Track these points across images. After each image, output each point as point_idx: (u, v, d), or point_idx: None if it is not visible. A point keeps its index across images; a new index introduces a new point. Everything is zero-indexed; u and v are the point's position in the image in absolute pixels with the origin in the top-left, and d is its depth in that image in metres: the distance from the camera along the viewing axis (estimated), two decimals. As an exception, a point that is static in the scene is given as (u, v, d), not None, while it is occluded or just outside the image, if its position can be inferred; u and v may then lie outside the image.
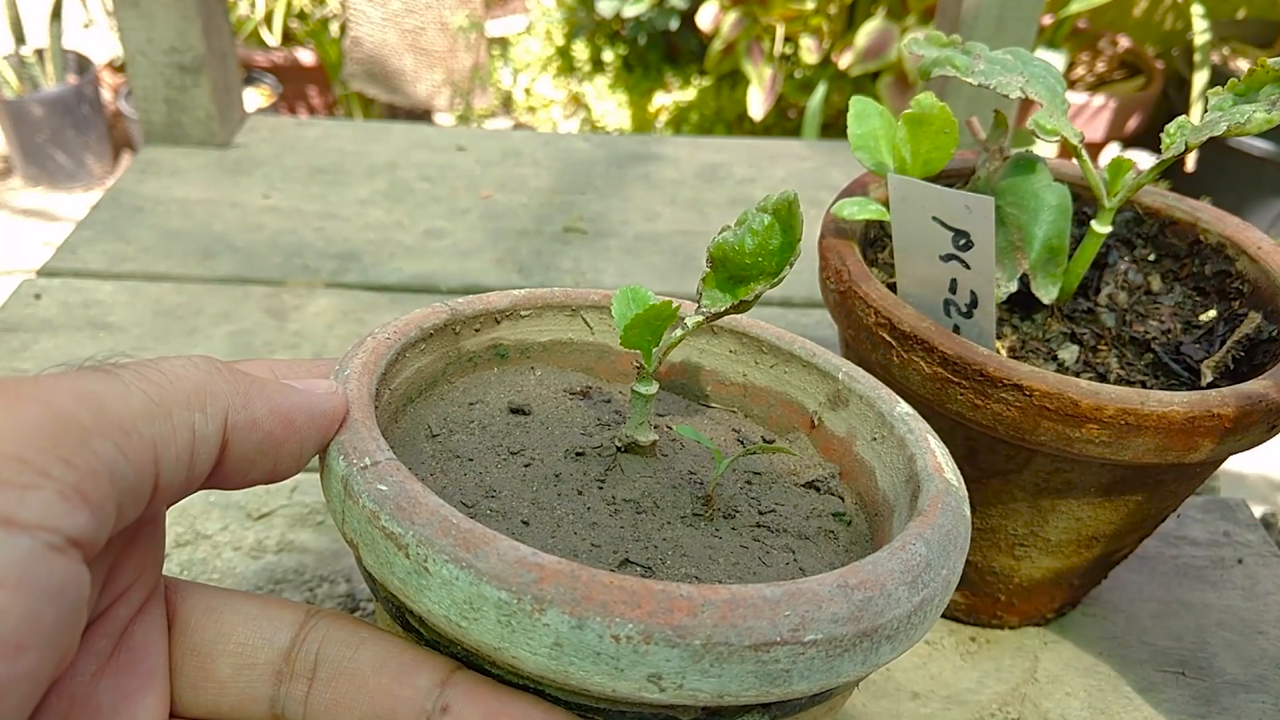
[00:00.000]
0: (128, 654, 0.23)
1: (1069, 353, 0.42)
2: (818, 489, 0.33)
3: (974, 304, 0.41)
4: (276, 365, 0.29)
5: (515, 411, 0.34)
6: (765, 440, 0.35)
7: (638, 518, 0.29)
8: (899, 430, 0.31)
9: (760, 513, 0.31)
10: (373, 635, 0.25)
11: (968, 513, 0.28)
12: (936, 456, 0.30)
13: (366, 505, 0.24)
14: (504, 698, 0.24)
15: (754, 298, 0.28)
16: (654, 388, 0.30)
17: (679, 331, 0.30)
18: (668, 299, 0.29)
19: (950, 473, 0.29)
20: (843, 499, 0.33)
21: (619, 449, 0.32)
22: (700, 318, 0.29)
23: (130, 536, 0.24)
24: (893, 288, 0.44)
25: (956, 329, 0.42)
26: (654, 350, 0.30)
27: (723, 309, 0.29)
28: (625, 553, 0.27)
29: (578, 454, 0.31)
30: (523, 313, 0.36)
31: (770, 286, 0.28)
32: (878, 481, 0.32)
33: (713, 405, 0.37)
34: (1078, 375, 0.41)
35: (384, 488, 0.24)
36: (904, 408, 0.32)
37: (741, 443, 0.35)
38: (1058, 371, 0.40)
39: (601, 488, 0.30)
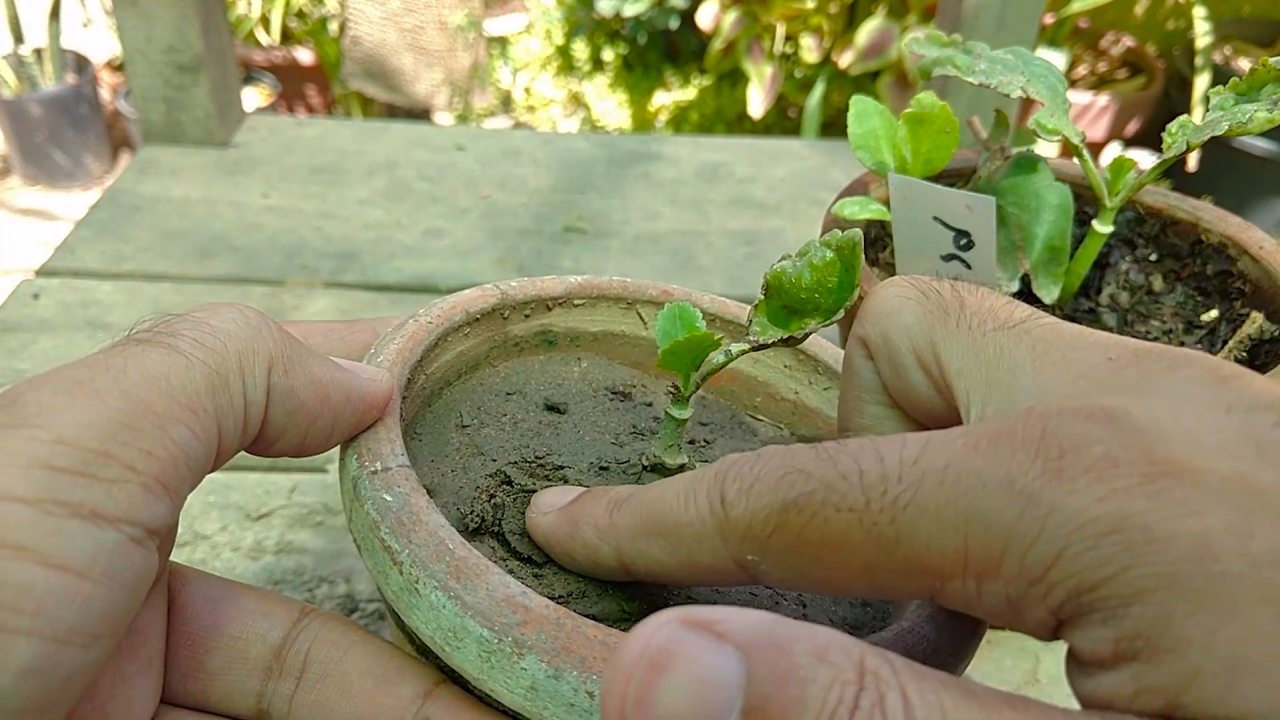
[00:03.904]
0: (129, 639, 0.23)
1: (1070, 353, 0.42)
2: None
3: (975, 304, 0.41)
4: (312, 331, 0.29)
5: (550, 409, 0.33)
6: None
7: None
8: None
9: None
10: (362, 640, 0.25)
11: None
12: None
13: (370, 513, 0.24)
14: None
15: (803, 335, 0.27)
16: (688, 412, 0.29)
17: (720, 358, 0.28)
18: (709, 332, 0.27)
19: None
20: None
21: (645, 468, 0.30)
22: (746, 346, 0.28)
23: None
24: (893, 288, 0.44)
25: (957, 329, 0.42)
26: (692, 376, 0.29)
27: (771, 341, 0.27)
28: (632, 589, 0.26)
29: (602, 468, 0.30)
30: (576, 301, 0.35)
31: (824, 325, 0.27)
32: None
33: (760, 419, 0.36)
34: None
35: (389, 498, 0.24)
36: None
37: None
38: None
39: None
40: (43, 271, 0.70)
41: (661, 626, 0.16)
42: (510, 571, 0.26)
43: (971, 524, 0.17)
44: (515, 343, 0.34)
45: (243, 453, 0.25)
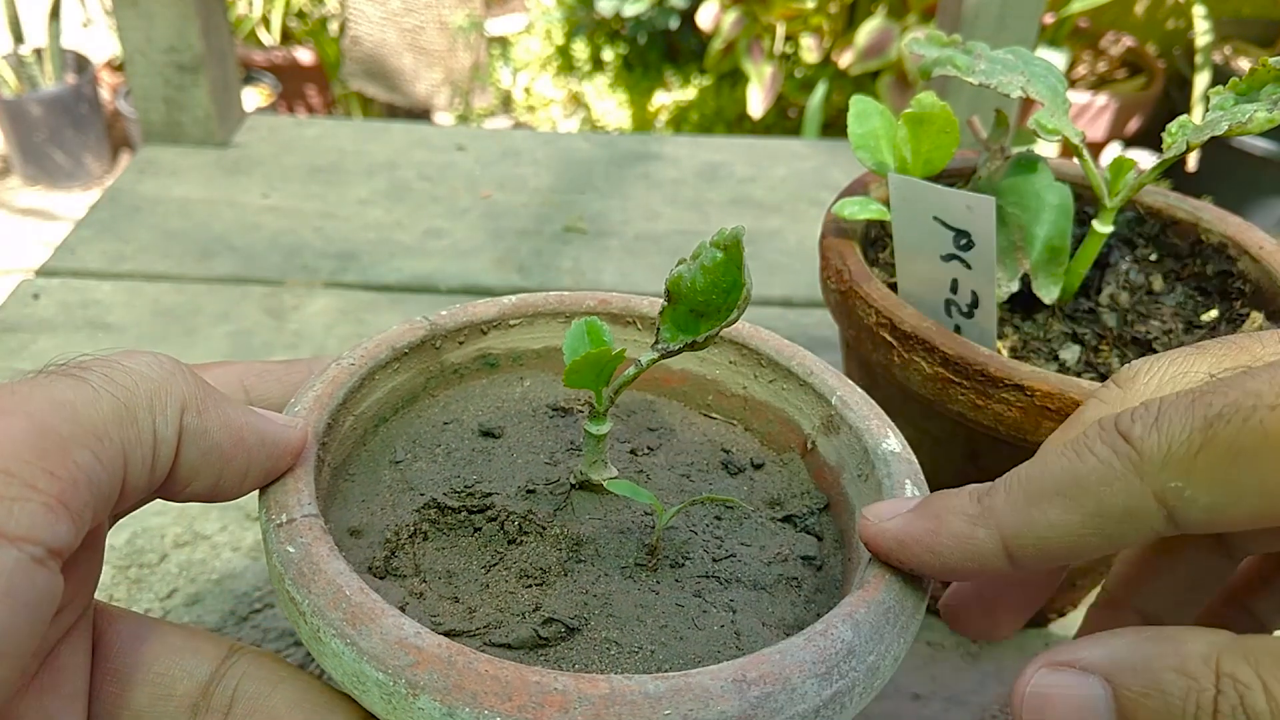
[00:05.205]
0: (52, 675, 0.23)
1: (1070, 353, 0.42)
2: (795, 524, 0.31)
3: (975, 304, 0.41)
4: (248, 371, 0.29)
5: (485, 434, 0.33)
6: (754, 464, 0.34)
7: (576, 567, 0.28)
8: (879, 471, 0.29)
9: (714, 560, 0.29)
10: (291, 676, 0.26)
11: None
12: None
13: (275, 565, 0.24)
14: None
15: (704, 340, 0.27)
16: (606, 427, 0.29)
17: (631, 370, 0.28)
18: (608, 347, 0.27)
19: None
20: (821, 538, 0.31)
21: (573, 486, 0.30)
22: (655, 355, 0.28)
23: (70, 559, 0.24)
24: (894, 288, 0.44)
25: (958, 329, 0.42)
26: (604, 390, 0.28)
27: (677, 347, 0.27)
28: (551, 610, 0.26)
29: (529, 490, 0.30)
30: (512, 322, 0.35)
31: (723, 327, 0.26)
32: (856, 522, 0.30)
33: (714, 416, 0.36)
34: (1079, 376, 0.41)
35: (292, 550, 0.24)
36: (891, 444, 0.30)
37: (726, 465, 0.33)
38: (1059, 372, 0.40)
39: (543, 533, 0.29)
40: (43, 271, 0.70)
41: (1032, 675, 0.20)
42: (428, 609, 0.26)
43: None
44: (454, 370, 0.34)
45: None
